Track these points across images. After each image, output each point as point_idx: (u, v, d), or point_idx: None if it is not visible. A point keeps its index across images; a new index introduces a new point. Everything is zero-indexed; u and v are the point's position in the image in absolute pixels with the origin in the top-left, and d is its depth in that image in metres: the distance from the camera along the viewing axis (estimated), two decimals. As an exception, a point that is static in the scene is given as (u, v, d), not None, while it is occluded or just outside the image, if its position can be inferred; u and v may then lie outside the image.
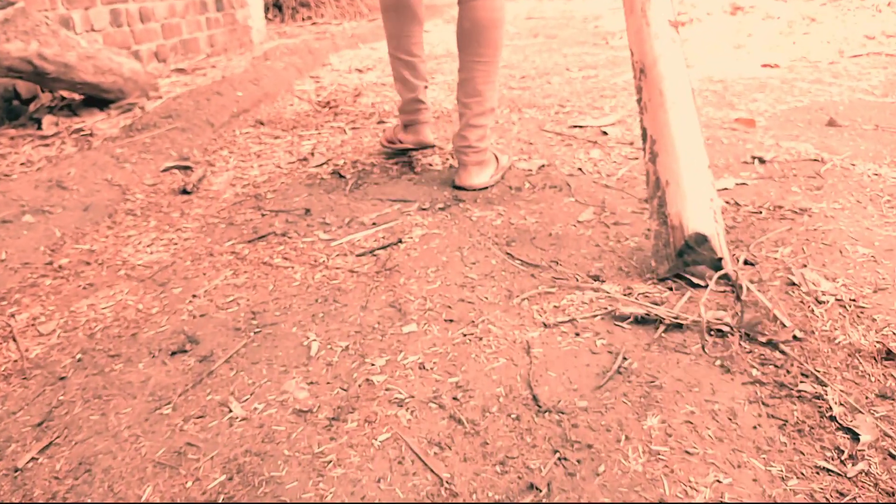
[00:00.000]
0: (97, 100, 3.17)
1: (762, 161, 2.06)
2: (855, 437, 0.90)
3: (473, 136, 1.91)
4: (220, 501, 0.84)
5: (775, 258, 1.43)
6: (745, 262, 1.42)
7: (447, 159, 2.22)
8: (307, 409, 0.99)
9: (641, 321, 1.20)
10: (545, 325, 1.19)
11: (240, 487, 0.86)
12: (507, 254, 1.51)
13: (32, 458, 0.93)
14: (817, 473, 0.85)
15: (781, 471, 0.85)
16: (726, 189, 1.85)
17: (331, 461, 0.89)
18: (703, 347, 1.11)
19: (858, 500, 0.80)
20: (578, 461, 0.88)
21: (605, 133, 2.45)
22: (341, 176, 2.09)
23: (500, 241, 1.59)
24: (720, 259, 1.35)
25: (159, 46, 4.15)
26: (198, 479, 0.88)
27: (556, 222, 1.68)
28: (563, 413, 0.96)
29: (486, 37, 1.84)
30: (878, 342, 1.10)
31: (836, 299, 1.25)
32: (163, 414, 1.01)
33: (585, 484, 0.84)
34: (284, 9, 6.84)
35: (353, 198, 1.90)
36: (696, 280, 1.31)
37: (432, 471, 0.87)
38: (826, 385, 1.00)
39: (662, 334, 1.15)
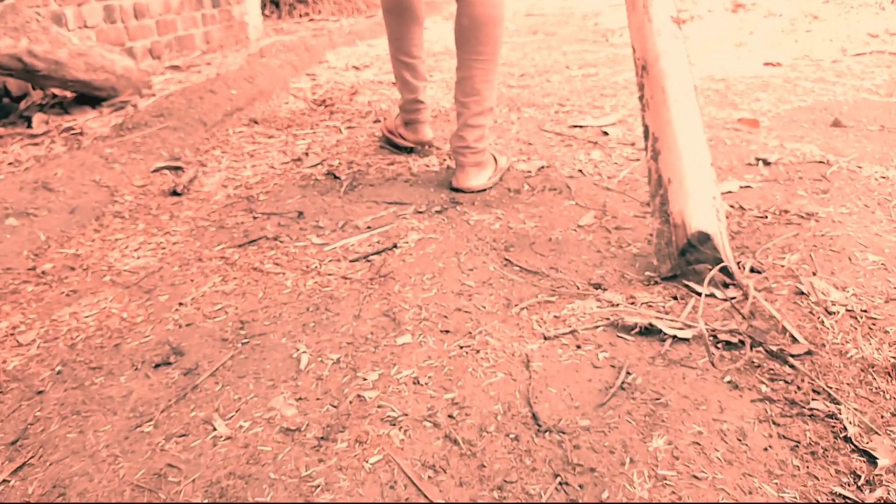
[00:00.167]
0: (89, 97, 3.12)
1: (766, 163, 2.02)
2: (872, 460, 0.86)
3: (471, 136, 1.87)
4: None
5: (782, 265, 1.38)
6: (752, 270, 1.37)
7: (444, 160, 2.17)
8: (295, 428, 0.95)
9: (645, 332, 1.15)
10: (545, 337, 1.14)
11: (222, 513, 0.82)
12: (506, 260, 1.47)
13: (4, 481, 0.88)
14: (833, 500, 0.80)
15: (795, 497, 0.81)
16: (730, 192, 1.80)
17: (318, 485, 0.85)
18: (711, 362, 1.06)
19: (877, 530, 0.76)
20: (581, 486, 0.83)
21: (605, 133, 2.40)
22: (336, 177, 2.04)
23: (498, 246, 1.54)
24: (722, 259, 1.33)
25: (154, 43, 4.09)
26: (178, 504, 0.83)
27: (555, 226, 1.63)
28: (564, 433, 0.91)
29: (484, 34, 1.79)
30: (892, 357, 1.06)
31: (847, 310, 1.20)
32: (143, 432, 0.96)
33: (588, 511, 0.79)
34: (281, 5, 6.78)
35: (348, 200, 1.85)
36: (698, 288, 1.27)
37: (426, 496, 0.82)
38: (839, 403, 0.95)
39: (667, 346, 1.11)
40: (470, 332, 1.17)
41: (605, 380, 1.03)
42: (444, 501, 0.81)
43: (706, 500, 0.80)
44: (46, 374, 1.12)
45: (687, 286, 1.29)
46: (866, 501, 0.80)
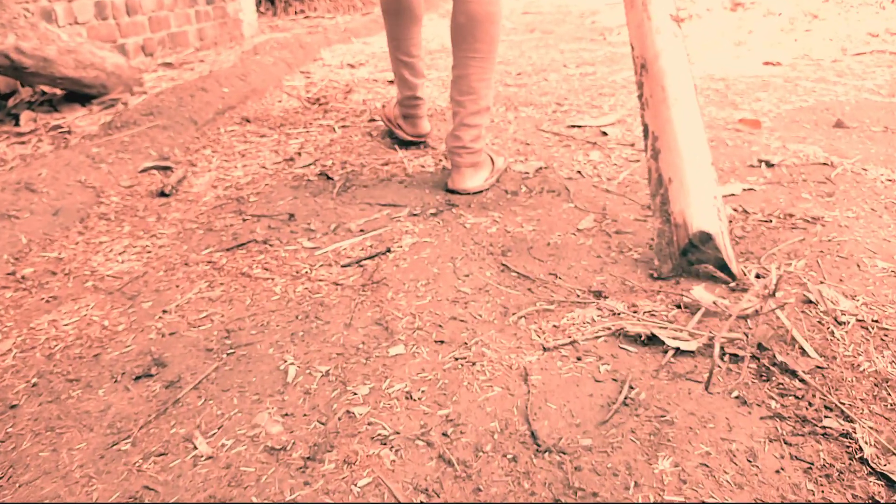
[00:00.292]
0: (79, 95, 3.06)
1: (769, 165, 1.97)
2: (890, 483, 0.81)
3: (468, 136, 1.82)
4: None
5: (789, 272, 1.33)
6: (757, 276, 1.33)
7: (440, 160, 2.12)
8: (280, 447, 0.89)
9: (648, 343, 1.10)
10: (544, 348, 1.10)
11: (201, 541, 0.77)
12: (503, 265, 1.42)
13: (-30, 504, 0.83)
14: (850, 528, 0.76)
15: (810, 524, 0.76)
16: (733, 195, 1.75)
17: (304, 510, 0.80)
18: (707, 384, 1.01)
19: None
20: (582, 511, 0.78)
21: (604, 133, 2.35)
22: (329, 178, 1.99)
23: (494, 250, 1.49)
24: (724, 259, 1.30)
25: (146, 40, 4.03)
26: (154, 530, 0.78)
27: (554, 230, 1.58)
28: (564, 453, 0.86)
29: (481, 31, 1.74)
30: (906, 370, 1.01)
31: (858, 320, 1.15)
32: (121, 450, 0.91)
33: (590, 539, 0.75)
34: (277, 2, 6.71)
35: (341, 202, 1.80)
36: (703, 299, 1.22)
37: (418, 522, 0.77)
38: (853, 421, 0.91)
39: (671, 359, 1.06)
40: (465, 343, 1.12)
41: (607, 394, 0.98)
42: (437, 528, 0.77)
43: (716, 527, 0.75)
44: (21, 386, 1.06)
45: (690, 296, 1.24)
46: (886, 529, 0.75)
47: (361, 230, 1.62)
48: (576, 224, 1.61)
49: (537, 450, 0.87)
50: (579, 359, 1.07)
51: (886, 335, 1.11)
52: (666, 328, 1.12)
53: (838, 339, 1.10)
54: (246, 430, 0.93)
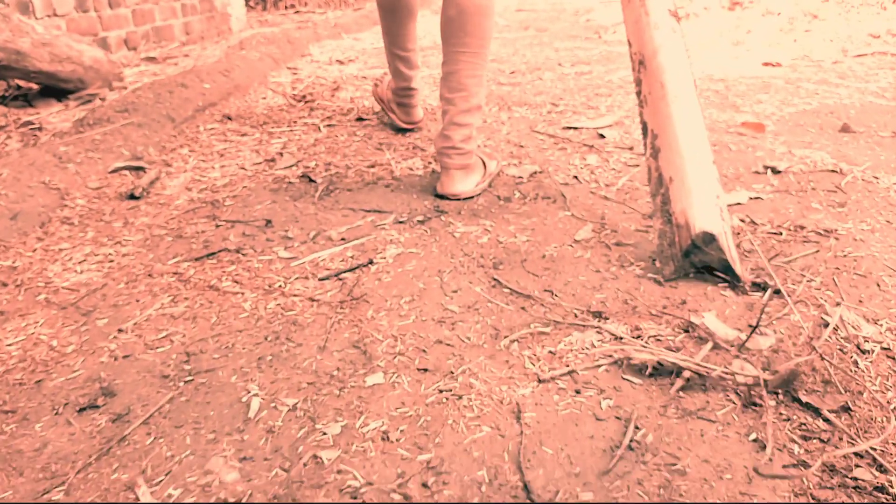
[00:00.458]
0: (55, 90, 2.93)
1: (776, 171, 1.87)
2: (936, 550, 0.70)
3: (458, 135, 1.70)
4: None
5: (797, 289, 1.23)
6: (774, 291, 1.22)
7: (429, 163, 2.01)
8: (234, 501, 0.78)
9: (654, 373, 0.99)
10: (539, 380, 0.98)
11: None
12: (494, 280, 1.30)
13: None
14: None
15: None
16: (739, 204, 1.65)
17: (259, 580, 0.68)
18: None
19: None
20: (582, 584, 0.67)
21: (601, 136, 2.24)
22: (311, 180, 1.87)
23: (486, 263, 1.38)
24: (728, 260, 1.24)
25: (129, 34, 3.89)
26: None
27: (550, 241, 1.47)
28: (561, 509, 0.75)
29: (472, 24, 1.62)
30: (942, 409, 0.91)
31: (882, 348, 1.05)
32: (51, 501, 0.79)
33: None
34: (266, -4, 6.58)
35: (322, 206, 1.69)
36: (719, 332, 1.11)
37: None
38: (888, 472, 0.80)
39: (680, 393, 0.95)
40: (452, 372, 1.01)
41: (610, 436, 0.87)
42: None
43: None
44: (-50, 418, 0.94)
45: (701, 327, 1.13)
46: None
47: (343, 239, 1.50)
48: (573, 234, 1.50)
49: (531, 505, 0.76)
50: (578, 392, 0.96)
51: (916, 366, 1.00)
52: (678, 361, 1.01)
53: (863, 371, 1.00)
54: (197, 478, 0.81)
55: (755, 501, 0.75)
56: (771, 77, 3.14)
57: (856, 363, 1.01)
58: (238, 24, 5.12)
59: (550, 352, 1.06)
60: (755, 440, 0.86)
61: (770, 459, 0.81)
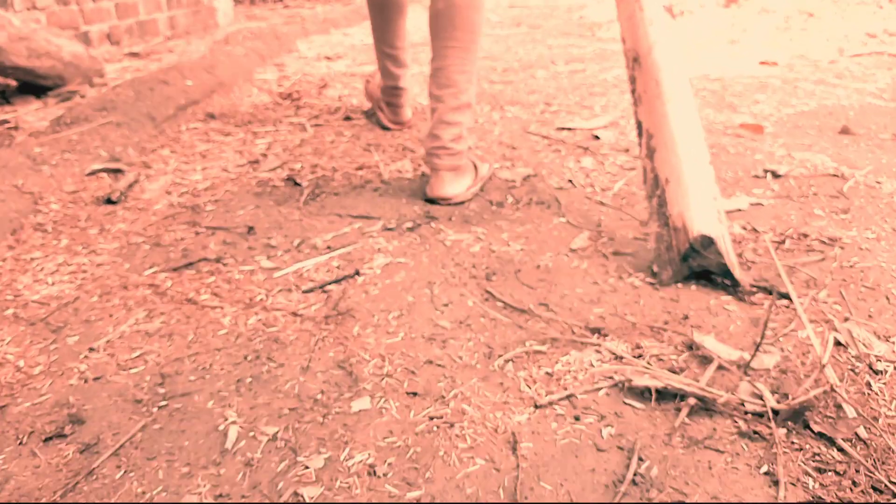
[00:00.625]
0: (35, 87, 2.84)
1: (776, 175, 1.82)
2: None
3: (447, 134, 1.64)
4: None
5: (801, 302, 1.18)
6: (781, 294, 1.17)
7: (419, 165, 1.94)
8: (208, 545, 0.72)
9: (658, 397, 0.94)
10: (536, 405, 0.93)
11: None
12: (487, 292, 1.25)
13: None
14: None
15: None
16: (740, 210, 1.60)
17: None
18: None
19: None
20: None
21: (596, 137, 2.18)
22: (296, 183, 1.81)
23: (478, 273, 1.32)
24: (727, 264, 1.20)
25: (112, 28, 3.80)
26: None
27: (545, 250, 1.41)
28: (562, 555, 0.70)
29: (461, 18, 1.56)
30: (963, 437, 0.86)
31: (896, 368, 1.00)
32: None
33: None
34: (254, -10, 6.48)
35: (308, 212, 1.62)
36: (723, 354, 1.06)
37: None
38: (911, 509, 0.75)
39: (686, 419, 0.90)
40: (443, 396, 0.95)
41: (612, 469, 0.81)
42: None
43: None
44: None
45: (703, 349, 1.08)
46: None
47: (329, 247, 1.44)
48: (568, 243, 1.44)
49: (528, 550, 0.70)
50: (577, 418, 0.90)
51: (932, 389, 0.95)
52: (682, 385, 0.95)
53: (876, 394, 0.95)
54: (168, 519, 0.75)
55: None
56: (768, 76, 3.10)
57: (868, 384, 0.96)
58: (225, 18, 5.03)
59: (547, 373, 1.00)
60: (767, 473, 0.80)
61: (784, 497, 0.76)
